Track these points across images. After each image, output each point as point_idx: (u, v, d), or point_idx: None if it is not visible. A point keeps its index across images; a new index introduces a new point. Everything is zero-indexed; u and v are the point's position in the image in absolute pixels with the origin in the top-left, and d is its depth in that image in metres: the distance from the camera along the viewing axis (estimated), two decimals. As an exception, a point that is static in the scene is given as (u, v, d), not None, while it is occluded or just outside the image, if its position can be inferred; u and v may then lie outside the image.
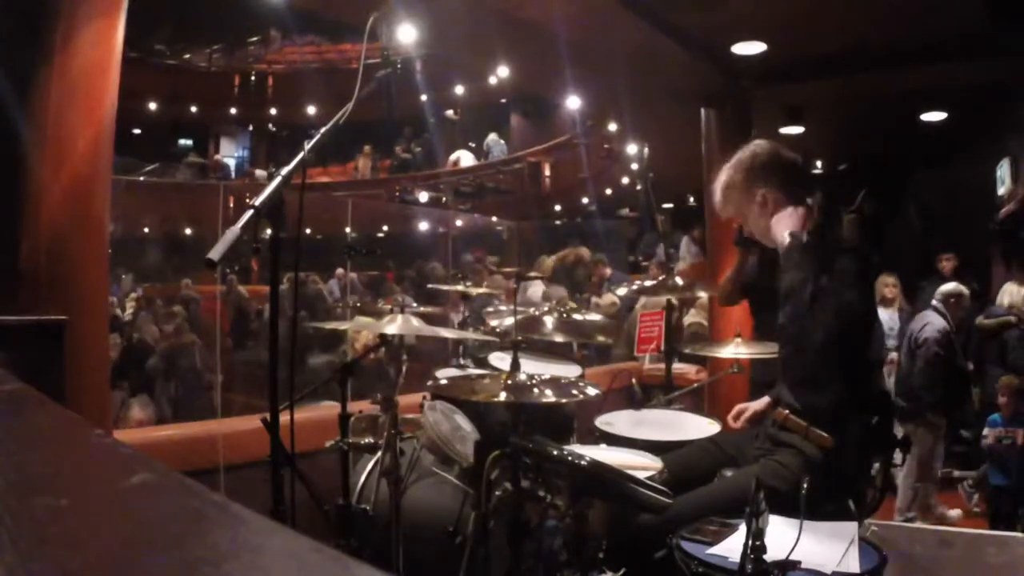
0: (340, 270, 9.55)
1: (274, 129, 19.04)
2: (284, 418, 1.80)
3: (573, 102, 8.59)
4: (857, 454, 2.01)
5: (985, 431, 4.51)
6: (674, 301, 3.67)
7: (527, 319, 2.80)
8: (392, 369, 2.31)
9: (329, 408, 2.78)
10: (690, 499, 1.96)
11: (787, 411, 2.11)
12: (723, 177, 2.26)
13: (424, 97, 14.05)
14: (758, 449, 2.17)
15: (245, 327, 7.89)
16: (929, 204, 8.05)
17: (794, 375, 2.12)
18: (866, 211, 6.93)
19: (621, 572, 1.88)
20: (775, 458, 2.04)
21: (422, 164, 15.89)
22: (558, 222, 14.01)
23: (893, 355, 5.67)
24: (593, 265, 7.74)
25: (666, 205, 11.04)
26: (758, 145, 2.26)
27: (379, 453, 2.19)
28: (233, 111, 18.21)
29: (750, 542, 1.43)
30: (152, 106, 16.33)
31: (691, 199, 11.38)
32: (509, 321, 2.77)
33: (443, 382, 2.45)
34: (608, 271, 7.92)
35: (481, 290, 3.82)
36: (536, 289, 6.07)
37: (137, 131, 16.36)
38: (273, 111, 18.17)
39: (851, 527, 1.70)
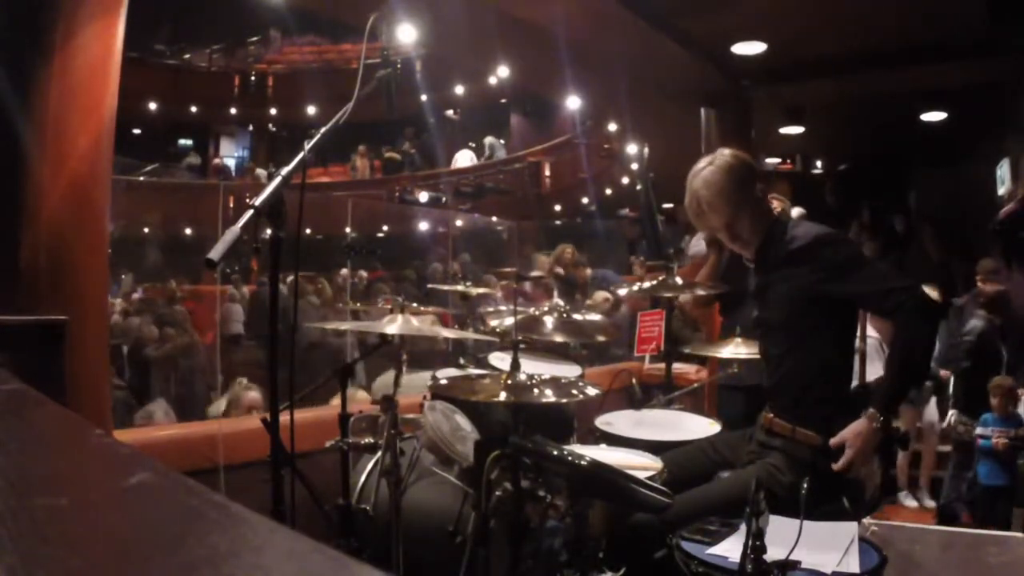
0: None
1: (274, 129, 19.03)
2: (284, 418, 1.80)
3: (573, 102, 8.60)
4: None
5: (979, 430, 4.47)
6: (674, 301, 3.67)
7: (527, 319, 2.79)
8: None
9: (329, 408, 2.78)
10: (688, 499, 1.96)
11: (771, 415, 2.12)
12: (713, 184, 2.13)
13: (424, 97, 14.04)
14: (749, 454, 2.18)
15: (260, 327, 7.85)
16: (942, 218, 7.98)
17: (782, 361, 2.14)
18: (899, 229, 6.88)
19: (621, 572, 1.88)
20: (766, 461, 2.05)
21: (420, 164, 15.88)
22: (558, 222, 14.00)
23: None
24: (573, 267, 7.63)
25: (666, 205, 11.02)
26: (725, 154, 2.21)
27: (379, 453, 2.19)
28: (233, 111, 18.20)
29: (750, 542, 1.43)
30: (152, 106, 16.32)
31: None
32: (509, 321, 2.77)
33: (443, 382, 2.44)
34: (588, 271, 7.76)
35: (480, 290, 3.80)
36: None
37: (137, 131, 16.37)
38: (273, 111, 18.16)
39: (851, 527, 1.70)
